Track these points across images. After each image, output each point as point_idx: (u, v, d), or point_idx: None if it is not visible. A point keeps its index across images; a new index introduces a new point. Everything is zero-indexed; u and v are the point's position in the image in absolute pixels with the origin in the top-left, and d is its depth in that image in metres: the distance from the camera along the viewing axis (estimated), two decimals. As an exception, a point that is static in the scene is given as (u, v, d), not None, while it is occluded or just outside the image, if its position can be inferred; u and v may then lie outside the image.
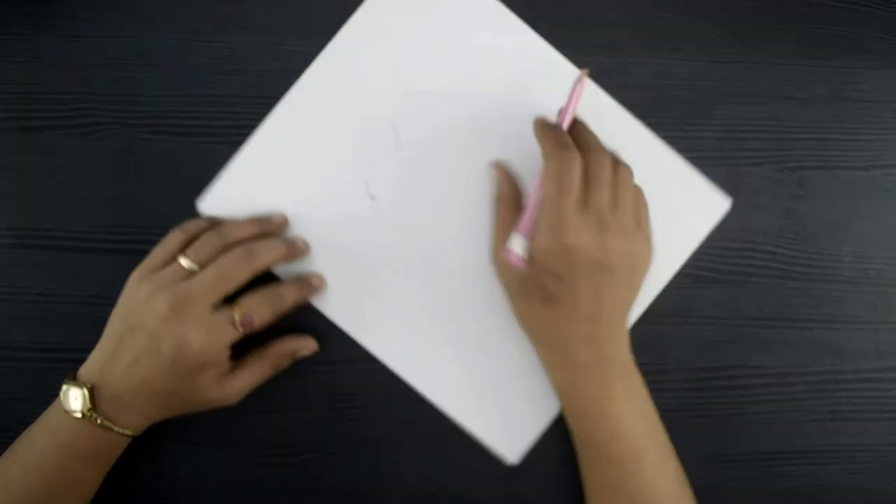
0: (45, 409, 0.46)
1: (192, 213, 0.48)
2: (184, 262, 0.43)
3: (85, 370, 0.43)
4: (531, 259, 0.41)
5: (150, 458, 0.48)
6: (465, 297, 0.48)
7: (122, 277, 0.48)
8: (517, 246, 0.38)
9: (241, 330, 0.42)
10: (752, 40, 0.49)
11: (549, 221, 0.40)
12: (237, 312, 0.42)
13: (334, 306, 0.48)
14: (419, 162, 0.48)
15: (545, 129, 0.42)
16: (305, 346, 0.47)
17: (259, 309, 0.43)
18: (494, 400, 0.48)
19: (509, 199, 0.45)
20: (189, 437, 0.48)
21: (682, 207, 0.48)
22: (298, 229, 0.48)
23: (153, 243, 0.48)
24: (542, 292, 0.41)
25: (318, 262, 0.48)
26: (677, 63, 0.49)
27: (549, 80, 0.48)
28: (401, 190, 0.48)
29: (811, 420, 0.49)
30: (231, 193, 0.48)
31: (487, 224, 0.48)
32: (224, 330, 0.42)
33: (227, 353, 0.43)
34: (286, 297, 0.45)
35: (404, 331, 0.48)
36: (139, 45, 0.49)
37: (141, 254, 0.48)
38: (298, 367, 0.48)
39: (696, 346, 0.49)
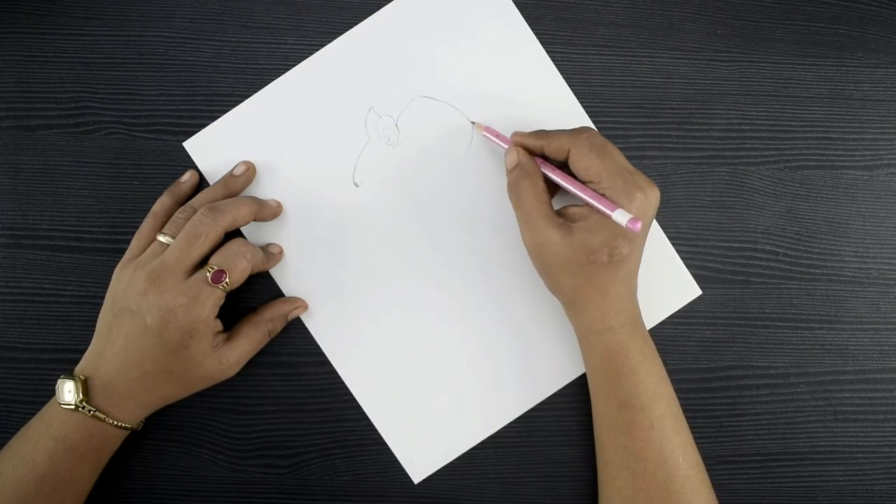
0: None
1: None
2: (161, 238, 0.44)
3: (80, 365, 0.43)
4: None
5: (149, 459, 0.48)
6: (419, 307, 0.48)
7: (120, 277, 0.47)
8: (624, 216, 0.38)
9: (216, 286, 0.42)
10: (753, 39, 0.49)
11: (633, 184, 0.40)
12: (207, 269, 0.42)
13: (287, 277, 0.48)
14: (413, 161, 0.48)
15: (539, 133, 0.44)
16: (297, 307, 0.47)
17: (228, 260, 0.43)
18: (420, 420, 0.48)
19: (534, 173, 0.43)
20: (188, 437, 0.48)
21: (658, 284, 0.48)
22: (274, 193, 0.48)
23: (151, 243, 0.48)
24: (609, 256, 0.41)
25: (286, 227, 0.48)
26: (678, 61, 0.49)
27: (557, 112, 0.49)
28: (387, 184, 0.48)
29: (813, 421, 0.49)
30: (218, 142, 0.48)
31: (469, 237, 0.48)
32: (202, 291, 0.42)
33: (213, 316, 0.43)
34: (255, 246, 0.44)
35: (352, 328, 0.48)
36: (138, 44, 0.48)
37: (139, 253, 0.48)
38: (298, 367, 0.48)
39: (697, 347, 0.49)
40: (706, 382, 0.49)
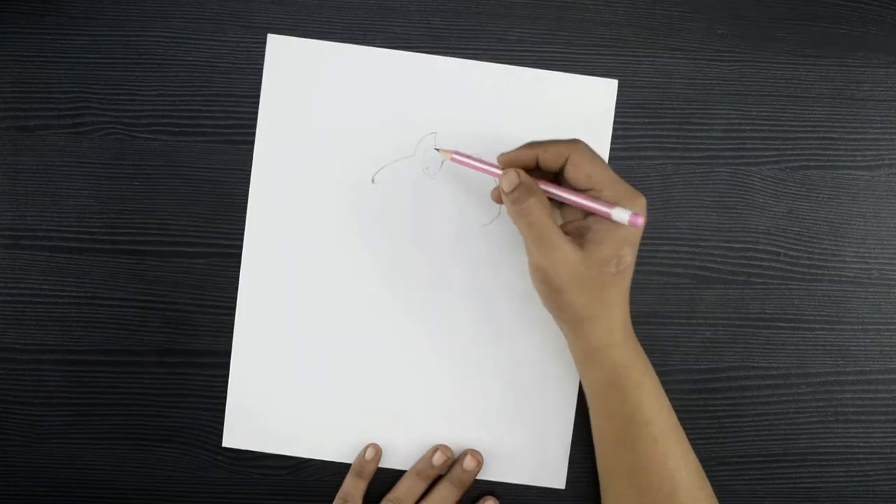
0: (42, 410, 0.46)
1: (188, 213, 0.48)
2: None
3: None
4: (631, 231, 0.41)
5: (149, 460, 0.48)
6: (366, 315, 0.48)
7: (119, 278, 0.48)
8: (625, 213, 0.38)
9: None
10: (753, 38, 0.49)
11: (632, 190, 0.41)
12: None
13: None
14: (432, 199, 0.48)
15: (531, 144, 0.43)
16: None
17: None
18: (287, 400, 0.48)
19: (538, 190, 0.42)
20: (188, 438, 0.48)
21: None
22: (297, 140, 0.48)
23: (151, 243, 0.48)
24: (618, 266, 0.41)
25: (291, 180, 0.48)
26: (679, 61, 0.49)
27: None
28: (398, 199, 0.48)
29: (814, 422, 0.49)
30: (294, 57, 0.48)
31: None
32: None
33: None
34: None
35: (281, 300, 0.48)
36: (137, 44, 0.48)
37: (138, 254, 0.48)
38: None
39: (698, 348, 0.49)
40: (707, 383, 0.49)
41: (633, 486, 0.42)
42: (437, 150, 0.46)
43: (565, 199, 0.41)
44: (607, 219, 0.40)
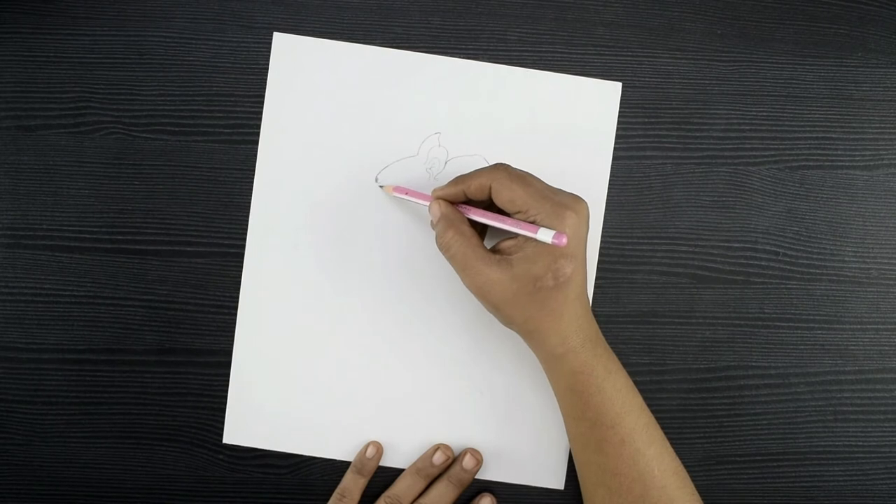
0: (43, 409, 0.46)
1: (189, 212, 0.48)
2: None
3: None
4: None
5: (149, 459, 0.48)
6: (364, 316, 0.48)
7: (120, 277, 0.48)
8: (548, 234, 0.39)
9: None
10: (753, 39, 0.49)
11: (560, 204, 0.40)
12: None
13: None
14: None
15: (457, 179, 0.43)
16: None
17: None
18: (285, 400, 0.48)
19: (459, 220, 0.43)
20: (188, 437, 0.48)
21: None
22: (304, 136, 0.48)
23: (151, 243, 0.48)
24: (554, 280, 0.41)
25: (293, 179, 0.48)
26: (678, 62, 0.49)
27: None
28: (400, 199, 0.48)
29: (813, 421, 0.49)
30: (300, 55, 0.48)
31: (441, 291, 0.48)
32: None
33: None
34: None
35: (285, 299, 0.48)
36: (138, 44, 0.48)
37: (139, 253, 0.48)
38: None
39: (697, 347, 0.49)
40: (706, 382, 0.49)
41: (603, 486, 0.42)
42: (381, 186, 0.48)
43: (493, 224, 0.42)
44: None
